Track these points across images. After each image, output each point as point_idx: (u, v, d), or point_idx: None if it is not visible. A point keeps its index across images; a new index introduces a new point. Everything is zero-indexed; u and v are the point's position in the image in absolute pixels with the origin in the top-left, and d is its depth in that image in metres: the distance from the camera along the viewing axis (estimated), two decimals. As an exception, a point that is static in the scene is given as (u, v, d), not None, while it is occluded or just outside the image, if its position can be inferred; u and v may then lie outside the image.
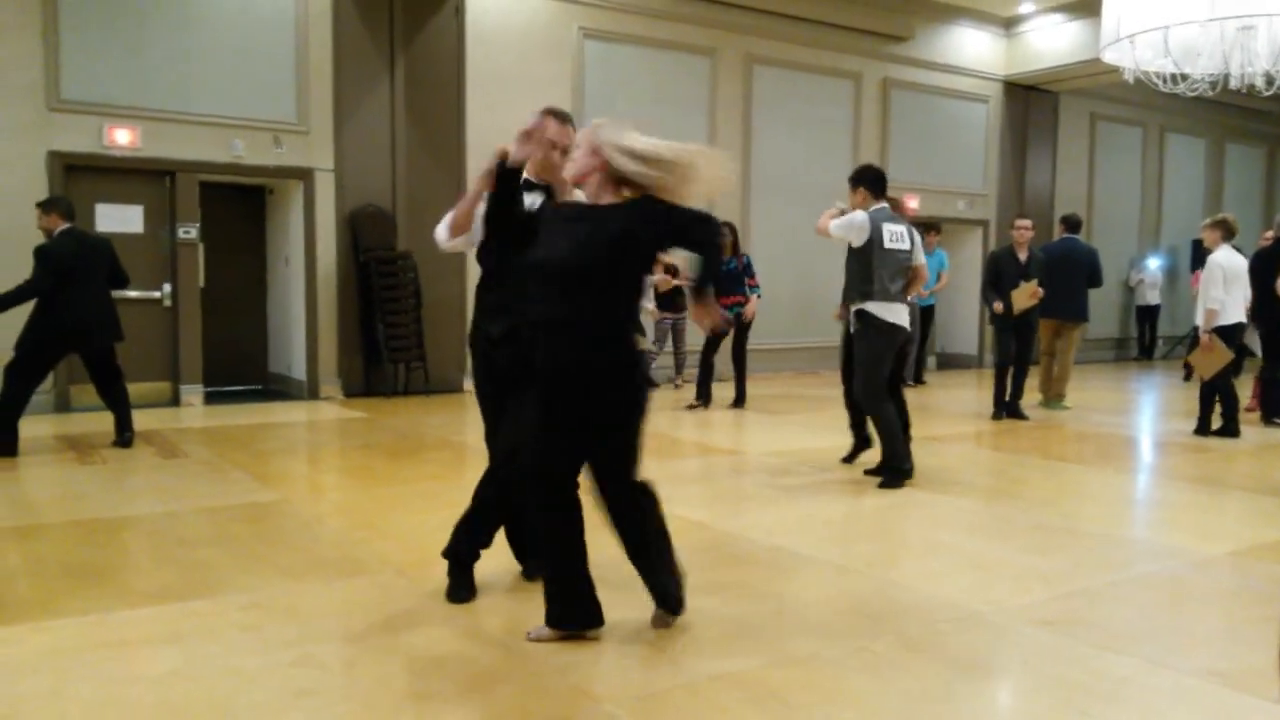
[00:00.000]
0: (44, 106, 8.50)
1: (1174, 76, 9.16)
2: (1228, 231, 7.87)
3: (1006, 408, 8.77)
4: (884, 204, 5.87)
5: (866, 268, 5.72)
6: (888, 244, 5.72)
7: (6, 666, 2.96)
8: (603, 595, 3.21)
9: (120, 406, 7.01)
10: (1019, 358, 8.76)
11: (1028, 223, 8.85)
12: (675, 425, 8.28)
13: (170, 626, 3.32)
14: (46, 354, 6.82)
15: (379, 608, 3.53)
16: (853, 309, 5.87)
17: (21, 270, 8.51)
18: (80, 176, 8.77)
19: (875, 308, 5.70)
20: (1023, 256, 8.72)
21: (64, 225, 6.82)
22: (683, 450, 7.12)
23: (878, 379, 5.78)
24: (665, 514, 3.33)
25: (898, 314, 5.76)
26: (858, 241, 5.74)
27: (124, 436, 6.96)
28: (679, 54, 11.87)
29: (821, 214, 6.10)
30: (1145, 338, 16.60)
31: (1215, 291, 7.66)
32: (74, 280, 6.65)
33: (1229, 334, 7.76)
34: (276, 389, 10.58)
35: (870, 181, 5.87)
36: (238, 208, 10.61)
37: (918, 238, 5.99)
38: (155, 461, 6.45)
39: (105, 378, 7.00)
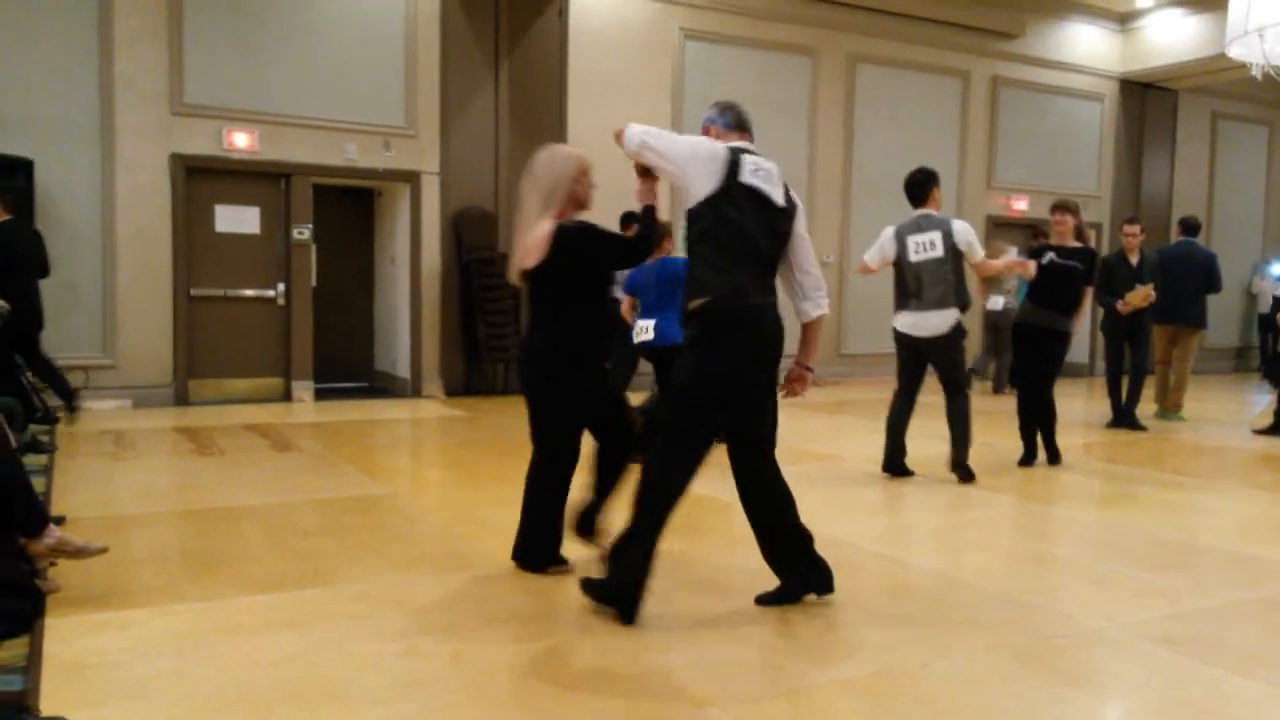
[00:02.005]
0: (168, 111, 8.88)
1: (1307, 72, 8.71)
2: None
3: (1122, 417, 8.46)
4: (926, 210, 5.94)
5: (899, 281, 5.99)
6: (912, 256, 5.87)
7: (132, 648, 3.09)
8: (704, 599, 3.18)
9: (54, 376, 7.51)
10: (1135, 365, 8.44)
11: (1136, 228, 8.51)
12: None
13: (285, 613, 3.42)
14: (15, 339, 7.23)
15: (482, 602, 3.57)
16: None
17: (149, 267, 8.93)
18: (200, 178, 9.13)
19: (896, 319, 5.99)
20: (1134, 260, 8.41)
21: (6, 217, 7.28)
22: (780, 455, 7.04)
23: (901, 382, 6.10)
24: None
25: (911, 323, 5.90)
26: (890, 258, 5.99)
27: (73, 404, 7.49)
28: (780, 54, 11.79)
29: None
30: (1269, 347, 15.81)
31: None
32: (25, 266, 7.25)
33: None
34: (381, 386, 10.85)
35: (905, 189, 6.05)
36: (348, 209, 10.92)
37: (962, 239, 5.88)
38: (269, 454, 6.67)
39: (33, 354, 7.48)
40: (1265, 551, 4.65)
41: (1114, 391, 8.59)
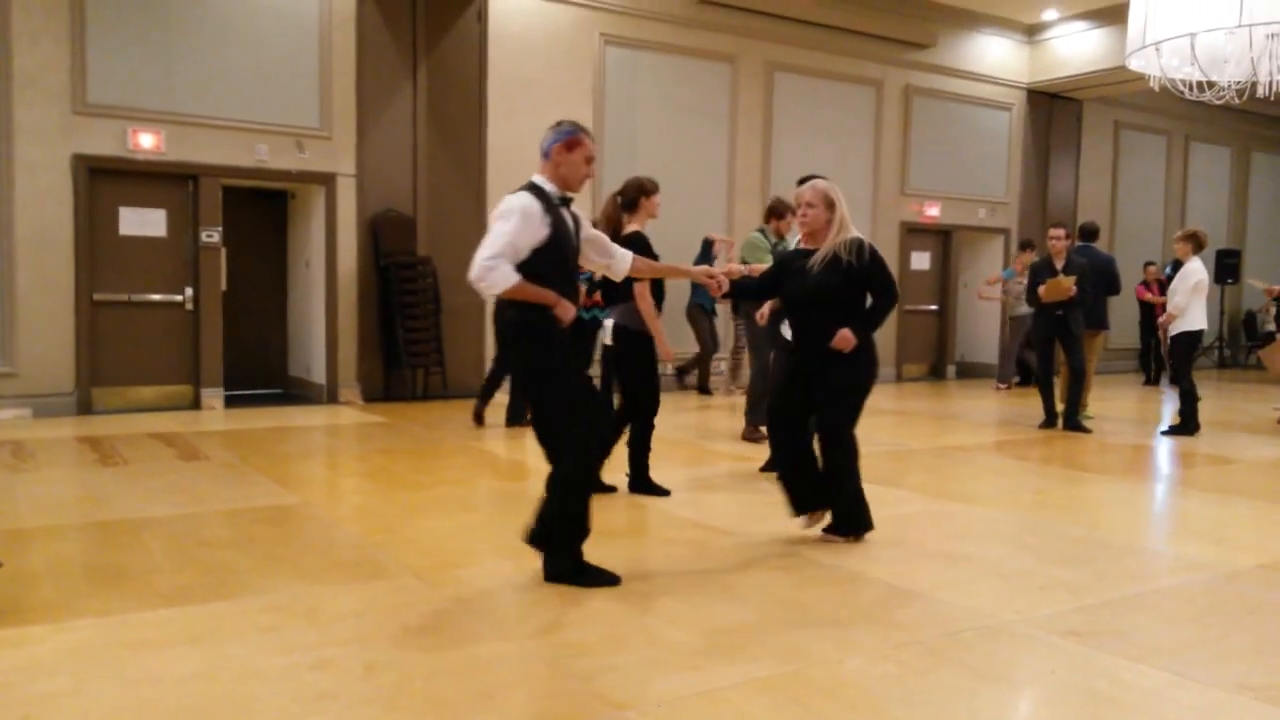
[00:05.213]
0: (69, 110, 8.57)
1: (1200, 84, 9.09)
2: (1198, 244, 8.48)
3: (1065, 421, 8.66)
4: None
5: None
6: None
7: (28, 666, 2.96)
8: (620, 602, 3.18)
9: None
10: (1072, 369, 8.61)
11: (1060, 231, 8.65)
12: (699, 433, 8.26)
13: (191, 628, 3.32)
14: None
15: (397, 612, 3.52)
16: None
17: (50, 271, 8.62)
18: (104, 180, 8.83)
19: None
20: (1059, 265, 8.61)
21: None
22: (708, 458, 7.09)
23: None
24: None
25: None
26: None
27: None
28: (700, 61, 11.88)
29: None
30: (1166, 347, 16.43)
31: (1180, 299, 8.38)
32: None
33: (1195, 341, 8.50)
34: (296, 393, 10.63)
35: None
36: (260, 212, 10.68)
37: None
38: (176, 464, 6.47)
39: None
40: (1166, 546, 4.83)
41: (1046, 394, 8.81)
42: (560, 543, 3.85)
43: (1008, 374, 12.75)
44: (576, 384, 3.89)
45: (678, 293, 10.15)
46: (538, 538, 3.90)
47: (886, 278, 4.51)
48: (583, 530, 3.88)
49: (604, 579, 3.83)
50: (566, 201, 3.93)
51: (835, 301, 4.43)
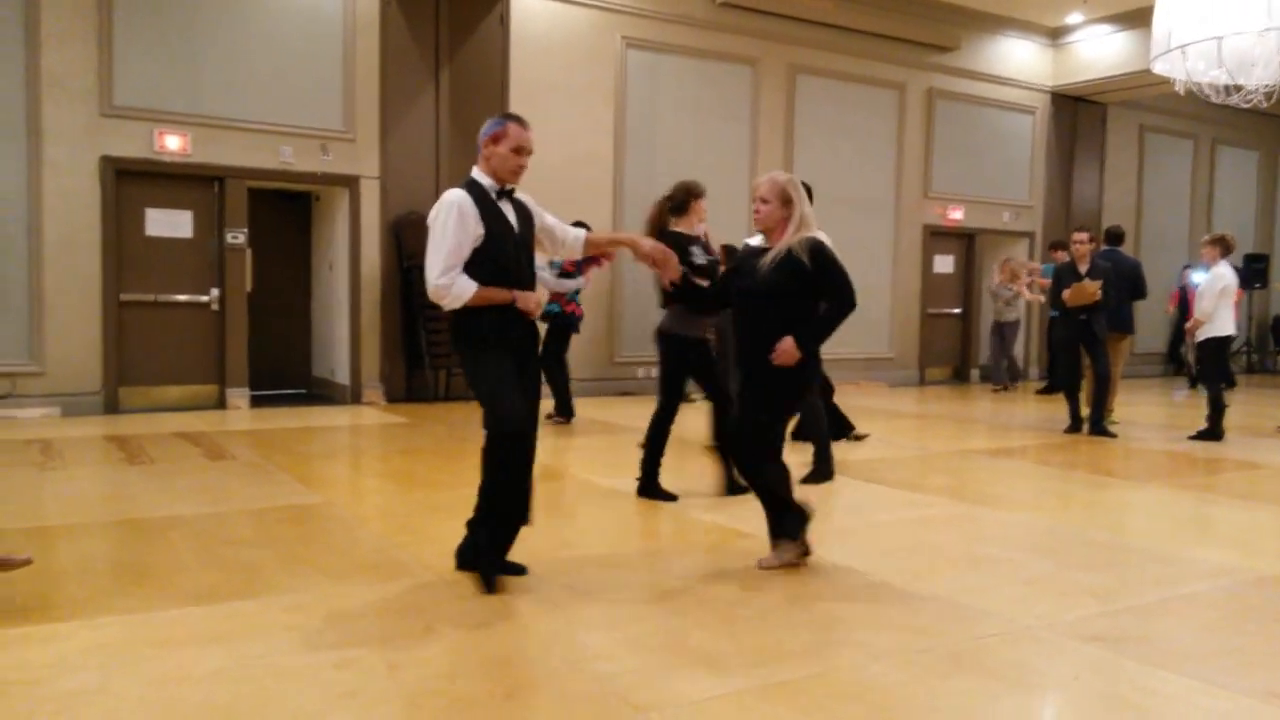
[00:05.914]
0: (97, 112, 8.67)
1: (1227, 88, 9.00)
2: (1226, 248, 8.37)
3: (1090, 425, 8.58)
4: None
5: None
6: None
7: (55, 663, 3.00)
8: (643, 604, 3.18)
9: None
10: (1097, 374, 8.54)
11: (1084, 235, 8.57)
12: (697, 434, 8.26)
13: (215, 626, 3.35)
14: None
15: (420, 611, 3.53)
16: None
17: (77, 272, 8.71)
18: (131, 182, 8.93)
19: None
20: (1083, 269, 8.54)
21: None
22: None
23: None
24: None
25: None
26: None
27: None
28: (722, 63, 11.88)
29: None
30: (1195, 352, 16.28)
31: (1207, 304, 8.28)
32: None
33: (1223, 346, 8.42)
34: (320, 393, 10.70)
35: None
36: (284, 214, 10.76)
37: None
38: (202, 463, 6.53)
39: None
40: (1191, 551, 4.78)
41: (1072, 398, 8.74)
42: (477, 514, 3.83)
43: (1003, 375, 12.88)
44: (506, 365, 3.77)
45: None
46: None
47: (841, 283, 4.05)
48: (501, 507, 3.76)
49: (489, 579, 3.74)
50: (505, 194, 3.87)
51: (783, 303, 4.03)
